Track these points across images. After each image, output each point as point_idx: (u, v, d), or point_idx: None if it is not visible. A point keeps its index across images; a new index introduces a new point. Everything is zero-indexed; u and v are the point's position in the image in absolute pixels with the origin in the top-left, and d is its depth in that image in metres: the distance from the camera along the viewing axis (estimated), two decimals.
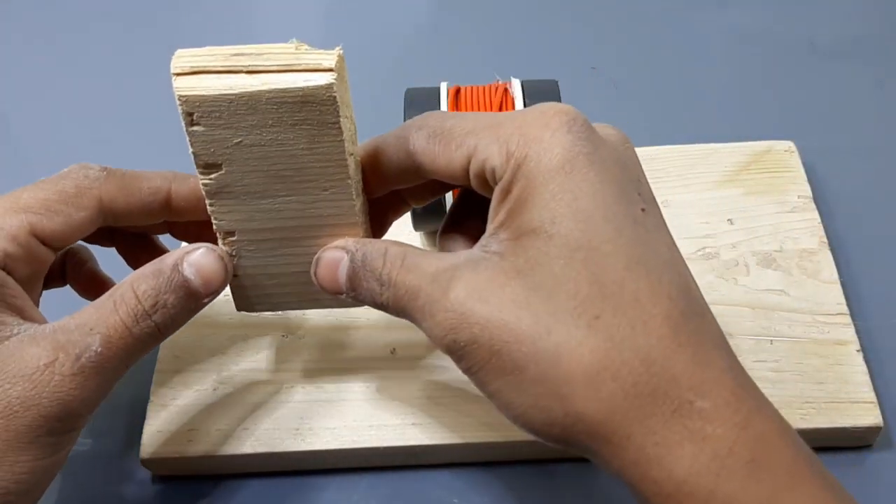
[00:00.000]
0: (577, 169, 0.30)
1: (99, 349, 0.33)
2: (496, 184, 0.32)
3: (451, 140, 0.33)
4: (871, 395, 0.41)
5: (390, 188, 0.36)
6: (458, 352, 0.31)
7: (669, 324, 0.29)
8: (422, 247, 0.46)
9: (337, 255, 0.35)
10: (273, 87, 0.32)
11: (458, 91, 0.46)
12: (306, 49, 0.32)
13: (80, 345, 0.33)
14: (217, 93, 0.32)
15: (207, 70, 0.32)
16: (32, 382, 0.32)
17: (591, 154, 0.31)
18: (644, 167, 0.50)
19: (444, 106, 0.44)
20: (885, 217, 0.51)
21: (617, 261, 0.29)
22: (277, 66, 0.32)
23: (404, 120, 0.44)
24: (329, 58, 0.32)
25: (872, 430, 0.41)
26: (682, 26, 0.63)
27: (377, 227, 0.38)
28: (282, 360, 0.44)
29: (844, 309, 0.44)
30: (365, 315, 0.45)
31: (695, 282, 0.31)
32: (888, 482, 0.41)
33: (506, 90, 0.45)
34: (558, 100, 0.44)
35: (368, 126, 0.56)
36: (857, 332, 0.44)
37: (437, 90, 0.45)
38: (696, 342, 0.29)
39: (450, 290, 0.31)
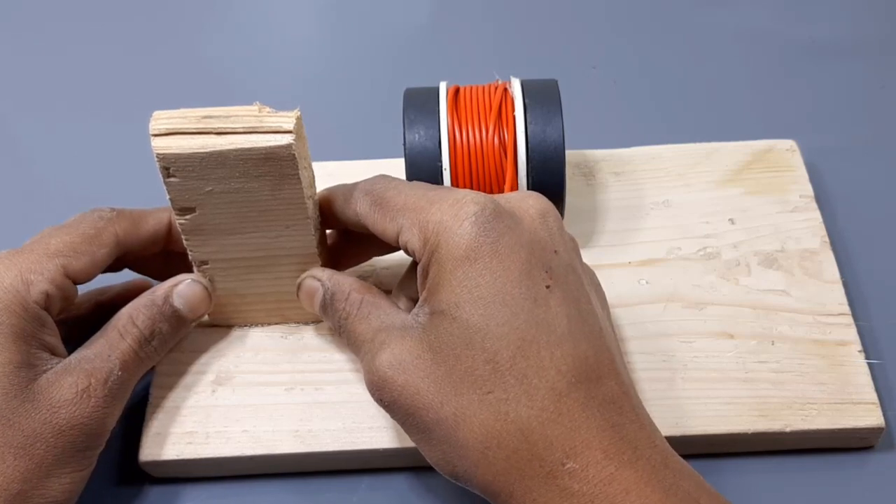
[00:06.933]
0: (479, 258, 0.34)
1: (120, 372, 0.39)
2: (419, 261, 0.36)
3: (386, 213, 0.38)
4: (873, 396, 0.41)
5: (344, 227, 0.42)
6: (385, 408, 0.36)
7: (552, 395, 0.33)
8: None
9: (314, 284, 0.41)
10: (240, 146, 0.36)
11: (457, 91, 0.45)
12: (268, 111, 0.37)
13: (104, 370, 0.38)
14: (190, 151, 0.36)
15: (181, 132, 0.36)
16: (75, 405, 0.37)
17: (495, 243, 0.34)
18: (645, 166, 0.51)
19: (443, 105, 0.44)
20: (887, 216, 0.51)
21: (510, 342, 0.33)
22: (243, 128, 0.36)
23: (404, 120, 0.44)
24: (288, 120, 0.36)
25: (874, 432, 0.41)
26: (683, 26, 0.63)
27: (351, 260, 0.44)
28: (281, 362, 0.44)
29: (846, 309, 0.44)
30: None
31: (600, 347, 0.35)
32: (890, 484, 0.41)
33: (505, 90, 0.44)
34: (558, 100, 0.44)
35: (369, 126, 0.57)
36: (859, 332, 0.44)
37: (437, 90, 0.45)
38: (577, 408, 0.33)
39: (380, 354, 0.35)
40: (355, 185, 0.40)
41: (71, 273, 0.40)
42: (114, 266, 0.44)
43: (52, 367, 0.38)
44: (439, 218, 0.35)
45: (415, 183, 0.39)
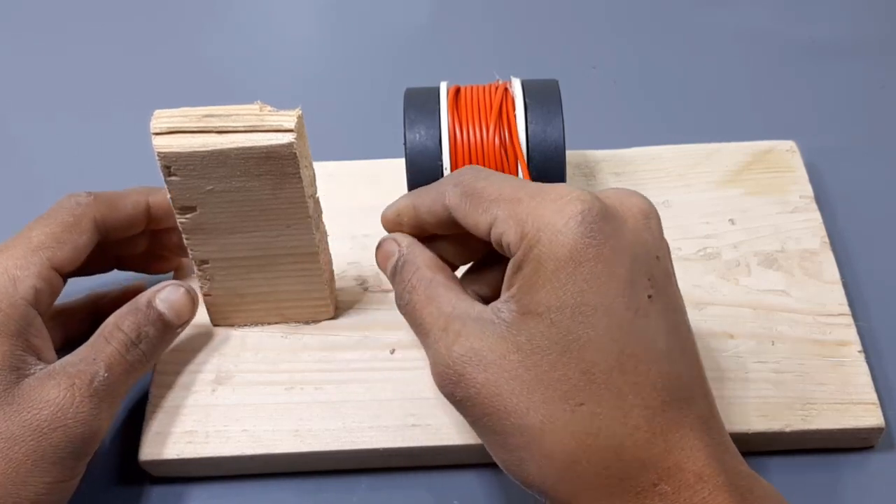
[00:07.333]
0: (585, 262, 0.32)
1: (105, 374, 0.38)
2: (511, 255, 0.34)
3: (479, 204, 0.35)
4: (873, 396, 0.41)
5: (428, 233, 0.39)
6: (455, 403, 0.34)
7: (647, 414, 0.31)
8: None
9: (392, 248, 0.39)
10: (240, 145, 0.36)
11: (457, 91, 0.45)
12: (269, 110, 0.37)
13: (89, 372, 0.38)
14: (191, 150, 0.36)
15: (182, 130, 0.36)
16: (57, 406, 0.36)
17: (601, 246, 0.32)
18: (645, 167, 0.51)
19: (443, 105, 0.44)
20: (886, 217, 0.51)
21: (609, 354, 0.32)
22: (244, 126, 0.36)
23: (404, 120, 0.44)
24: (289, 119, 0.36)
25: (874, 431, 0.41)
26: (683, 26, 0.63)
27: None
28: (281, 361, 0.44)
29: (846, 309, 0.44)
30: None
31: (693, 363, 0.34)
32: (891, 483, 0.41)
33: (506, 90, 0.44)
34: (559, 99, 0.44)
35: (369, 126, 0.57)
36: (859, 332, 0.44)
37: (437, 90, 0.45)
38: (671, 429, 0.32)
39: (455, 346, 0.33)
40: (441, 180, 0.38)
41: (56, 264, 0.39)
42: (101, 266, 0.45)
43: (35, 372, 0.37)
44: (541, 212, 0.33)
45: (506, 175, 0.37)
